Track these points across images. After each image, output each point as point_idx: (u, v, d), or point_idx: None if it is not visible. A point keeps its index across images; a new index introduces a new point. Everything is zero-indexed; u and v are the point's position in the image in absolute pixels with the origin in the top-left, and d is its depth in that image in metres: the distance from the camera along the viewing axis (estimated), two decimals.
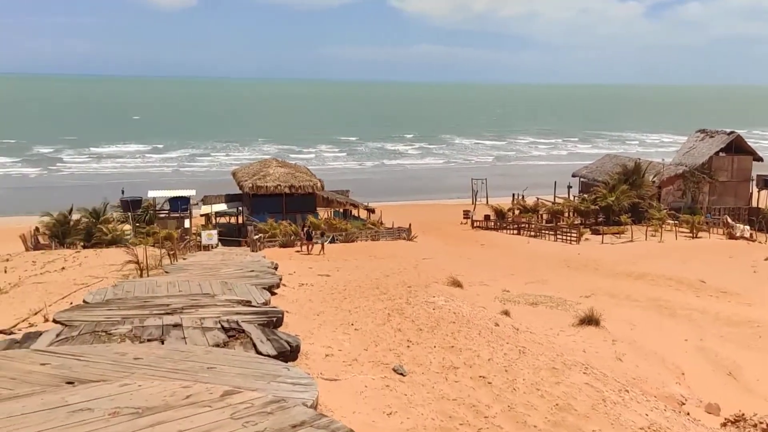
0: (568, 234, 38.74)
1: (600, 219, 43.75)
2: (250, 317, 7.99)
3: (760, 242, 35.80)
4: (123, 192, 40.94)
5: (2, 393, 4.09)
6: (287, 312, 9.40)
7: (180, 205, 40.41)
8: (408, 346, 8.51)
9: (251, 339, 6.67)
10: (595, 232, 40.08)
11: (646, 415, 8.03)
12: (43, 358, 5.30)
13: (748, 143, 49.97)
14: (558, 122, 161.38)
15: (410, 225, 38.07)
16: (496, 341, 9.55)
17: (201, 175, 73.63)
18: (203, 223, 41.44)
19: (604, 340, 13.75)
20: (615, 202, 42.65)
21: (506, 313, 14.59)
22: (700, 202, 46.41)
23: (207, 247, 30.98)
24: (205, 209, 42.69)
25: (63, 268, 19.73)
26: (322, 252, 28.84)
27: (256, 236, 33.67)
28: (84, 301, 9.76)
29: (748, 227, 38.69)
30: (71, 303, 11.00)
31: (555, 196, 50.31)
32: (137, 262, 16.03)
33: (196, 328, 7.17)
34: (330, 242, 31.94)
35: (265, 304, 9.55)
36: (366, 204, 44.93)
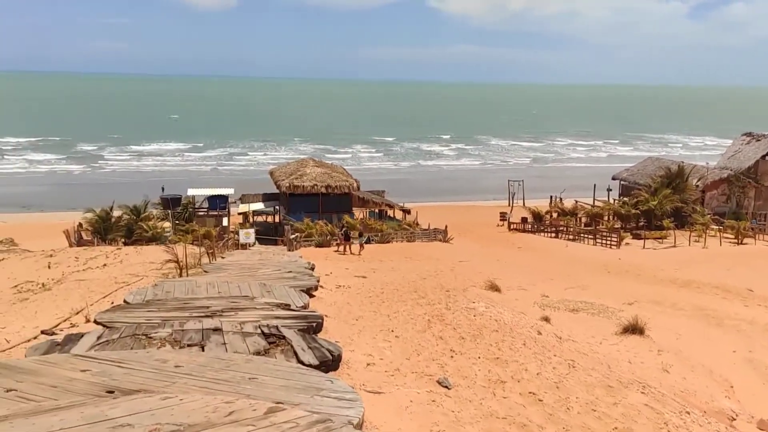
0: (608, 238, 37.92)
1: (641, 223, 42.82)
2: (289, 322, 7.86)
3: None
4: (163, 189, 41.50)
5: (43, 404, 4.01)
6: (326, 316, 9.24)
7: (218, 203, 40.92)
8: (451, 356, 8.22)
9: (292, 346, 6.54)
10: (636, 237, 39.21)
11: None
12: (84, 363, 5.24)
13: None
14: (597, 123, 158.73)
15: (446, 226, 37.71)
16: (542, 353, 9.20)
17: (239, 173, 74.45)
18: (241, 221, 41.85)
19: (650, 350, 13.27)
20: (657, 206, 41.75)
21: (546, 319, 14.22)
22: (745, 207, 45.16)
23: (244, 246, 31.21)
24: (243, 208, 43.11)
25: (104, 265, 20.05)
26: (360, 252, 28.82)
27: (293, 236, 33.77)
28: (125, 301, 9.76)
29: None
30: (112, 302, 11.06)
31: (594, 199, 49.39)
32: (177, 261, 16.12)
33: (236, 333, 7.08)
34: (366, 242, 31.87)
35: (304, 307, 9.41)
36: (402, 205, 44.74)
